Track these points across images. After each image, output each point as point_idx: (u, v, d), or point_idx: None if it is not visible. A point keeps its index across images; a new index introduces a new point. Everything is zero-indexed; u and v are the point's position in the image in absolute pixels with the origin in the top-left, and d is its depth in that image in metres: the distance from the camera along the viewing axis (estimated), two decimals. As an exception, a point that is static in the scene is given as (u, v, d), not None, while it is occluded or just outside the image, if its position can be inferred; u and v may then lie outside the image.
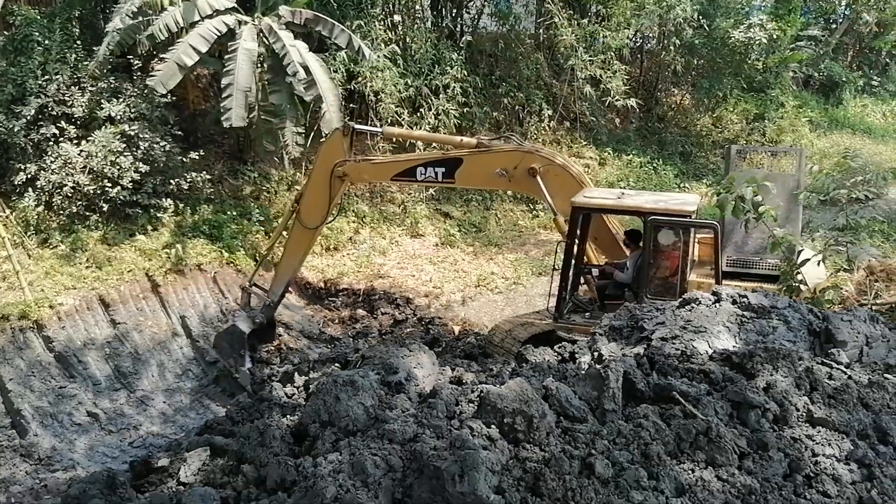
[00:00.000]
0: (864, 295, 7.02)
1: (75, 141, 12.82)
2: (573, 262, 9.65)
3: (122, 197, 12.88)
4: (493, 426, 3.70)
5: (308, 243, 11.56)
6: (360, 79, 17.11)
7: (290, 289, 12.38)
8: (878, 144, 24.82)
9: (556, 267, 10.05)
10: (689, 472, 3.49)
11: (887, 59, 31.50)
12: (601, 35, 19.93)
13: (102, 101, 13.13)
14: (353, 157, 11.31)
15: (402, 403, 4.28)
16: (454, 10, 21.13)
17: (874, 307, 6.67)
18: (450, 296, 14.99)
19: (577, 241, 9.55)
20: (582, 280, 10.31)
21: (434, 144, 14.64)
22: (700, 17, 21.45)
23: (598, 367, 4.13)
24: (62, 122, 12.86)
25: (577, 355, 5.51)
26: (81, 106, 12.97)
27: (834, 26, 29.30)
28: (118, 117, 13.02)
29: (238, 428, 4.73)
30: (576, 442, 3.61)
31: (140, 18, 12.77)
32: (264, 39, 13.39)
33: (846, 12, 28.50)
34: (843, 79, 28.13)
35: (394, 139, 16.50)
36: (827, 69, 27.64)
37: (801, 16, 25.47)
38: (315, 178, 11.05)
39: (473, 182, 11.46)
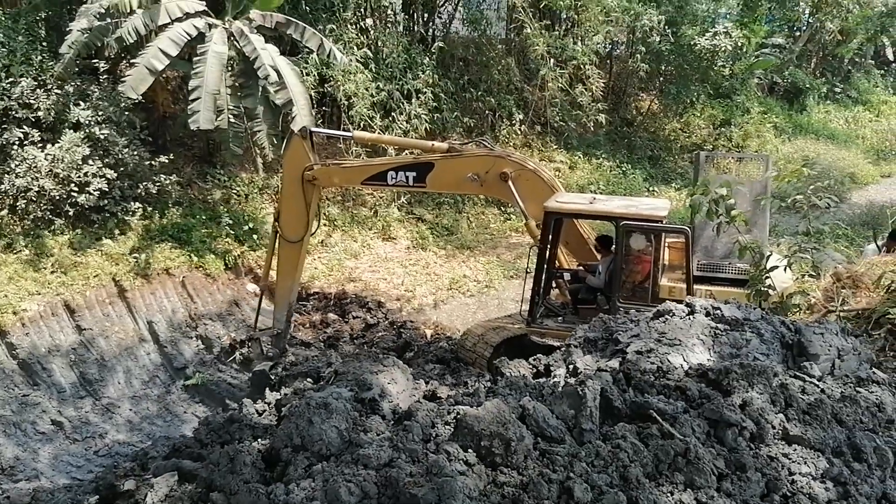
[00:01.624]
0: (832, 301, 7.10)
1: (41, 145, 12.53)
2: (546, 266, 9.69)
3: (89, 203, 12.61)
4: (469, 450, 3.65)
5: (297, 259, 11.19)
6: (332, 82, 17.01)
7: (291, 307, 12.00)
8: (840, 150, 25.34)
9: (529, 271, 10.08)
10: (668, 494, 3.48)
11: (850, 67, 32.15)
12: (571, 48, 20.14)
13: (69, 104, 12.86)
14: (323, 161, 11.19)
15: (377, 426, 4.21)
16: (426, 15, 21.13)
17: (841, 314, 6.76)
18: (422, 299, 14.97)
19: (549, 245, 9.59)
20: (554, 284, 10.36)
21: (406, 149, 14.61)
22: (666, 27, 21.76)
23: (574, 384, 4.10)
24: (27, 126, 12.57)
25: (551, 368, 5.49)
26: (47, 109, 12.69)
27: (798, 34, 29.86)
28: (85, 122, 12.75)
29: (207, 451, 4.62)
30: (554, 465, 3.58)
31: (108, 21, 12.51)
32: (235, 43, 13.22)
33: (810, 21, 29.04)
34: (807, 85, 28.69)
35: (366, 143, 16.43)
36: (791, 76, 28.17)
37: (766, 24, 25.97)
38: (287, 187, 10.90)
39: (445, 186, 11.41)
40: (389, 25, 19.67)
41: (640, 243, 9.10)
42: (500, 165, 9.81)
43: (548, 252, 9.64)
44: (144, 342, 12.23)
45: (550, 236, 9.56)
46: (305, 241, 11.10)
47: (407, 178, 10.27)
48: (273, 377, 10.61)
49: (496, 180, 9.78)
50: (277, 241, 11.13)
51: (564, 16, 22.10)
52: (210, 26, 12.98)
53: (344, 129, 16.09)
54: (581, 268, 10.33)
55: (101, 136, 12.81)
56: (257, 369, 11.05)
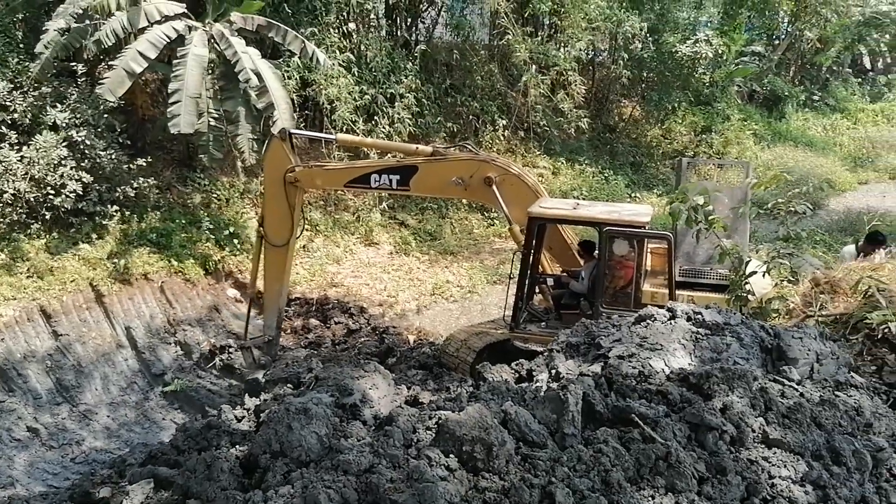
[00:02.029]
0: (810, 306, 7.15)
1: (16, 147, 12.33)
2: (529, 271, 9.69)
3: (65, 206, 12.43)
4: (451, 455, 3.62)
5: (284, 263, 11.04)
6: (314, 86, 16.95)
7: (283, 313, 12.03)
8: (819, 157, 25.64)
9: (512, 276, 10.07)
10: (650, 498, 3.47)
11: (828, 75, 32.61)
12: (553, 54, 20.28)
13: (46, 106, 12.68)
14: (305, 163, 11.11)
15: (358, 431, 4.16)
16: (409, 20, 21.12)
17: (820, 319, 6.80)
18: (404, 304, 14.91)
19: (532, 250, 9.59)
20: (537, 289, 10.36)
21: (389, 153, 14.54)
22: (647, 34, 21.97)
23: (557, 389, 4.09)
24: (4, 128, 12.37)
25: (534, 373, 5.47)
26: (23, 111, 12.51)
27: (777, 42, 30.27)
28: (62, 124, 12.58)
29: (184, 458, 4.55)
30: (535, 469, 3.56)
31: (86, 22, 12.37)
32: (215, 45, 13.12)
33: (789, 29, 29.43)
34: (786, 93, 29.04)
35: (349, 147, 16.37)
36: (770, 84, 28.51)
37: (746, 32, 26.27)
38: (269, 190, 10.80)
39: (428, 190, 11.35)
40: (372, 30, 19.65)
41: (622, 249, 9.13)
42: (484, 169, 9.78)
43: (531, 257, 9.64)
44: (122, 348, 12.06)
45: (534, 241, 9.56)
46: (291, 244, 11.00)
47: (390, 181, 10.21)
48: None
49: (480, 184, 9.75)
50: (263, 246, 11.03)
51: (547, 22, 22.25)
52: (190, 29, 12.87)
53: (327, 133, 16.02)
54: (564, 273, 10.34)
55: (79, 139, 12.64)
56: (250, 378, 10.93)
